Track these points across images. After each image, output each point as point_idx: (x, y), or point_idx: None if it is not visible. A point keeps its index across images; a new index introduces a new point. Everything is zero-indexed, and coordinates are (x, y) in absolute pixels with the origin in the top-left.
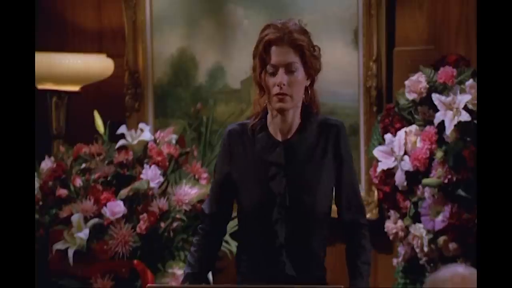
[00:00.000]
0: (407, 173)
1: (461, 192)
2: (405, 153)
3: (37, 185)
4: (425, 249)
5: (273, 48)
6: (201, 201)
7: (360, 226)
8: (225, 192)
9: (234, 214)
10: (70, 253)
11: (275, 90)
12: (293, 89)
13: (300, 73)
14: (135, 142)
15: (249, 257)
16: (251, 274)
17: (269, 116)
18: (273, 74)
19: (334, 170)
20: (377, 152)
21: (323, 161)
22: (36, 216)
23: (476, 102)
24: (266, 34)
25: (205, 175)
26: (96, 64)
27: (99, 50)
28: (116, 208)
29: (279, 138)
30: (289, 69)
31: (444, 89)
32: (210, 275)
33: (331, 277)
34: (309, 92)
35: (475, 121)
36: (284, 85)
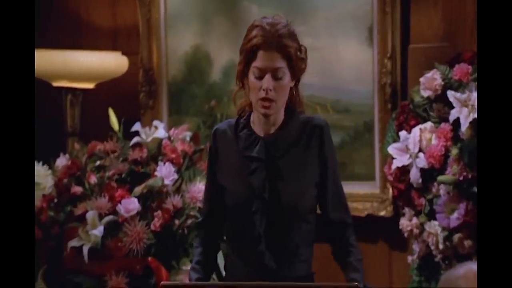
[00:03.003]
0: (422, 170)
1: (476, 189)
2: (420, 150)
3: (52, 182)
4: (440, 246)
5: (261, 53)
6: None
7: (347, 225)
8: (215, 192)
9: None
10: (85, 250)
11: (261, 94)
12: (279, 95)
13: (286, 78)
14: (149, 139)
15: (233, 250)
16: (235, 267)
17: (253, 114)
18: (260, 78)
19: (316, 168)
20: (391, 149)
21: (304, 158)
22: (51, 213)
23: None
24: (254, 36)
25: None
26: (111, 62)
27: (113, 48)
28: (130, 205)
29: (261, 134)
30: (276, 75)
31: (459, 86)
32: (223, 271)
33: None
34: (293, 92)
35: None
36: (270, 90)
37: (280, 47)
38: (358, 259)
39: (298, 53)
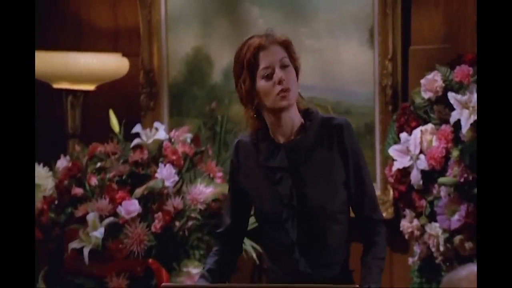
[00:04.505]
0: (422, 172)
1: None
2: (421, 152)
3: (52, 184)
4: (441, 248)
5: (262, 53)
6: (215, 200)
7: (373, 222)
8: (239, 203)
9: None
10: (86, 252)
11: (277, 89)
12: (291, 84)
13: (292, 69)
14: (150, 141)
15: (269, 258)
16: (273, 274)
17: (269, 123)
18: (269, 76)
19: (341, 168)
20: (392, 151)
21: (327, 160)
22: (52, 215)
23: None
24: (250, 43)
25: (220, 174)
26: (112, 63)
27: (114, 49)
28: (131, 207)
29: (281, 141)
30: (283, 64)
31: (460, 88)
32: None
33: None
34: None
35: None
36: (284, 80)
37: (275, 39)
38: (376, 258)
39: (293, 47)
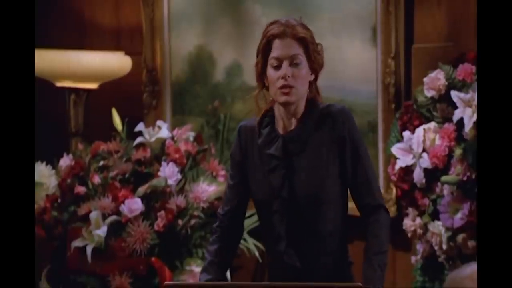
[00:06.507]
0: (425, 170)
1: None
2: (424, 150)
3: (55, 182)
4: (444, 246)
5: (276, 42)
6: (218, 199)
7: (372, 209)
8: (240, 186)
9: (250, 212)
10: (89, 250)
11: (280, 83)
12: (298, 82)
13: (304, 67)
14: (152, 139)
15: (266, 248)
16: (270, 266)
17: (276, 110)
18: (277, 67)
19: (339, 155)
20: (395, 149)
21: (324, 149)
22: (55, 213)
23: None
24: (270, 29)
25: (222, 172)
26: (114, 62)
27: (117, 48)
28: (134, 205)
29: (281, 131)
30: (293, 62)
31: (463, 86)
32: (227, 272)
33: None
34: (314, 87)
35: None
36: (289, 77)
37: (294, 34)
38: (377, 253)
39: (313, 45)
